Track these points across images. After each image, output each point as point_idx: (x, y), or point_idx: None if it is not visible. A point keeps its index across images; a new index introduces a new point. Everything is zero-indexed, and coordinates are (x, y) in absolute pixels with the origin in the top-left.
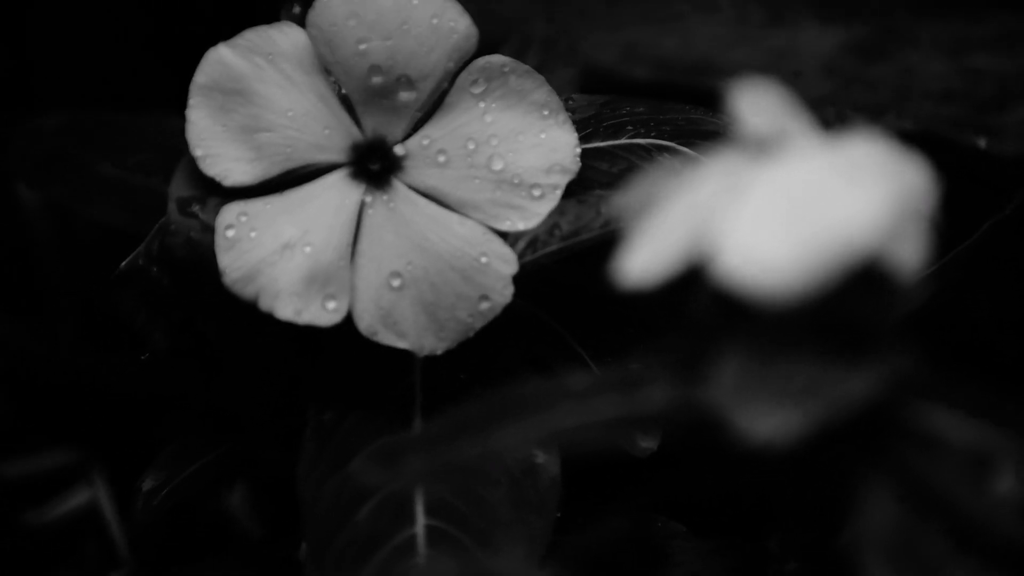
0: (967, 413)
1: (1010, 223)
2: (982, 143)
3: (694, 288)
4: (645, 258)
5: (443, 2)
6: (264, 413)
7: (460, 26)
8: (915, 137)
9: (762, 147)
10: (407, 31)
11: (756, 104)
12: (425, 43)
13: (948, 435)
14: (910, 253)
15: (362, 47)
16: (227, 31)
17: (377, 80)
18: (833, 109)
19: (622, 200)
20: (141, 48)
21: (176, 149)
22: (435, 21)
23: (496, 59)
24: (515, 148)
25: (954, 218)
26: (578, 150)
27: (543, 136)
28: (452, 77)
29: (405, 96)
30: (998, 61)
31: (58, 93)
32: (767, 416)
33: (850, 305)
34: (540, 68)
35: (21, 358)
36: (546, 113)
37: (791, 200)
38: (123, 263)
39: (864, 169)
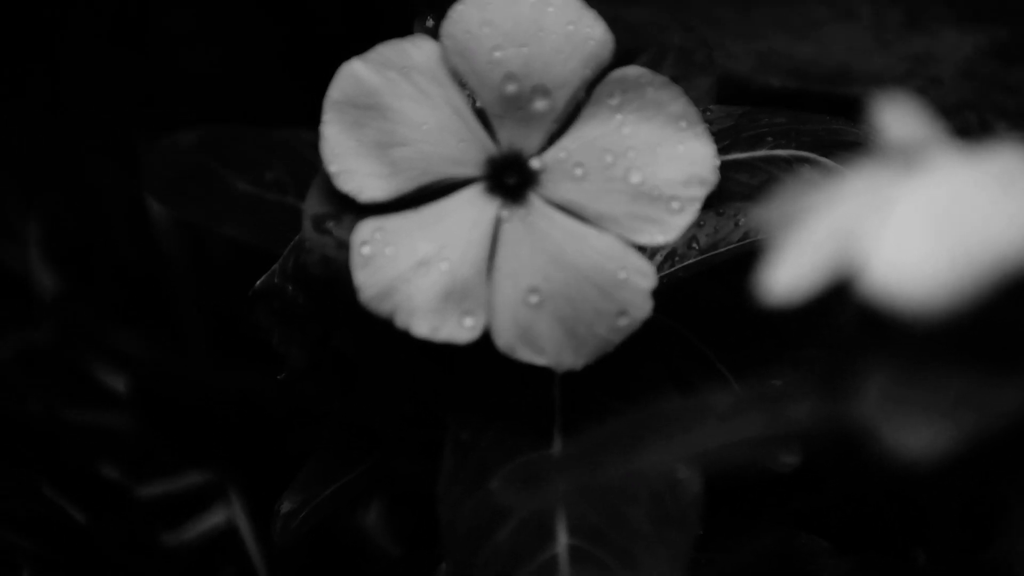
0: None
1: None
2: None
3: (839, 303)
4: (790, 273)
5: (579, 9)
6: (402, 429)
7: (596, 33)
8: None
9: (905, 158)
10: (542, 38)
11: (897, 115)
12: (561, 50)
13: None
14: None
15: (497, 55)
16: (358, 45)
17: (512, 89)
18: (974, 114)
19: (763, 213)
20: (273, 63)
21: (310, 165)
22: (570, 28)
23: (632, 71)
24: (653, 160)
25: None
26: (716, 162)
27: (681, 148)
28: (588, 87)
29: (540, 106)
30: None
31: (190, 109)
32: (917, 430)
33: (999, 318)
34: (676, 78)
35: (157, 378)
36: (683, 125)
37: (938, 213)
38: (258, 281)
39: (1011, 179)
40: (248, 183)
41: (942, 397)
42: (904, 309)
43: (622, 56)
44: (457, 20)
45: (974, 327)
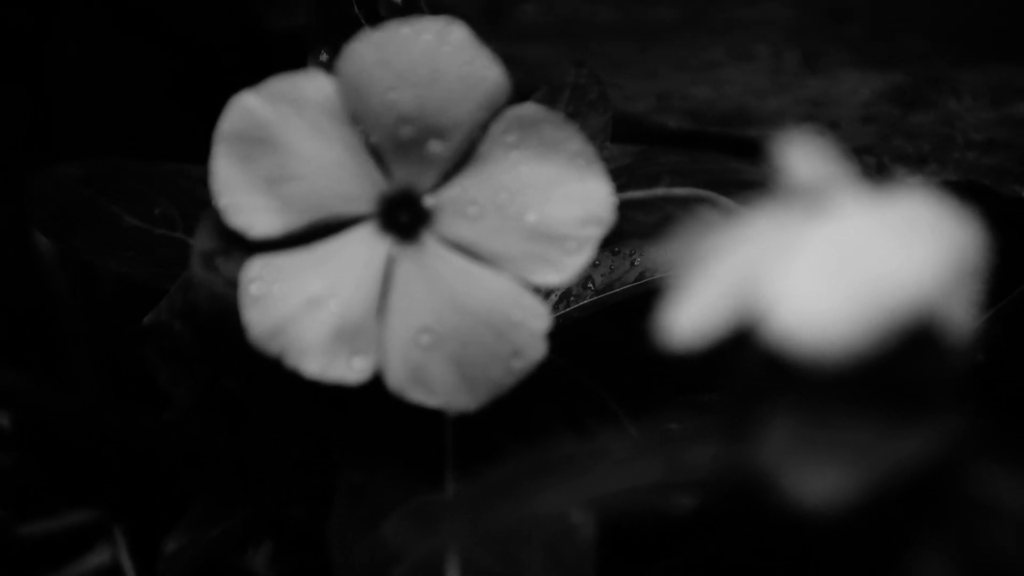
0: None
1: None
2: None
3: (738, 347)
4: (692, 316)
5: (474, 50)
6: (292, 471)
7: (491, 74)
8: (958, 187)
9: (808, 199)
10: (437, 79)
11: (798, 154)
12: (456, 91)
13: (1007, 499)
14: (962, 308)
15: (391, 96)
16: (251, 80)
17: (406, 129)
18: (873, 159)
19: (661, 252)
20: (163, 96)
21: (198, 200)
22: (466, 69)
23: (529, 108)
24: (549, 199)
25: (998, 270)
26: (613, 201)
27: (578, 187)
28: (484, 126)
29: (435, 146)
30: None
31: (78, 141)
32: (818, 479)
33: (904, 364)
34: (572, 116)
35: (41, 414)
36: (580, 163)
37: (842, 257)
38: (145, 318)
39: (916, 223)
40: (135, 217)
41: (844, 444)
42: (807, 354)
43: (518, 94)
44: (352, 58)
45: (877, 373)
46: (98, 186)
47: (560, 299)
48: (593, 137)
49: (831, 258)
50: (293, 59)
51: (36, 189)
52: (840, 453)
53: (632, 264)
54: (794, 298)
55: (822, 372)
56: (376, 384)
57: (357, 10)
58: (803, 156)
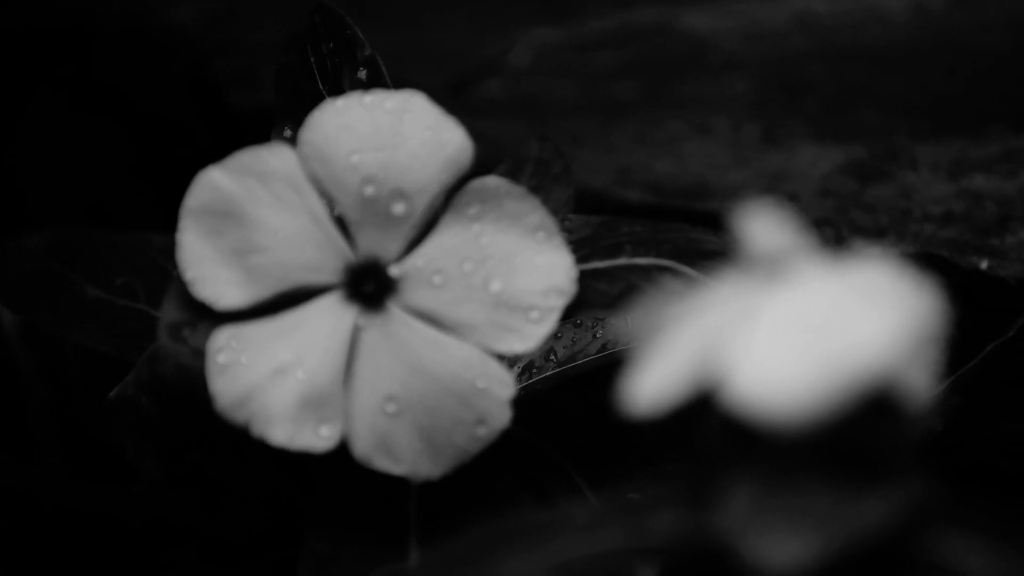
0: (982, 539)
1: (1013, 345)
2: (983, 265)
3: (700, 414)
4: (653, 384)
5: (437, 116)
6: (260, 542)
7: (454, 138)
8: (916, 259)
9: (768, 269)
10: (400, 142)
11: (759, 225)
12: (419, 155)
13: (965, 563)
14: (920, 377)
15: (355, 158)
16: (218, 156)
17: (370, 191)
18: (832, 231)
19: (623, 323)
20: (129, 173)
21: (161, 271)
22: (428, 134)
23: (491, 181)
24: (511, 270)
25: (957, 341)
26: (574, 272)
27: (539, 259)
28: (447, 194)
29: (399, 210)
30: (998, 183)
31: (45, 218)
32: (779, 545)
33: (864, 431)
34: (535, 190)
35: (10, 490)
36: (541, 236)
37: (802, 325)
38: (112, 392)
39: (873, 292)
40: (98, 288)
41: (806, 510)
42: (768, 421)
43: (482, 168)
44: (315, 126)
45: (837, 439)
46: (62, 257)
47: (523, 371)
48: (556, 210)
49: (791, 326)
50: (259, 135)
51: (0, 261)
52: (800, 519)
53: (594, 336)
54: (754, 365)
55: (782, 439)
56: (342, 452)
57: (321, 86)
58: (762, 227)
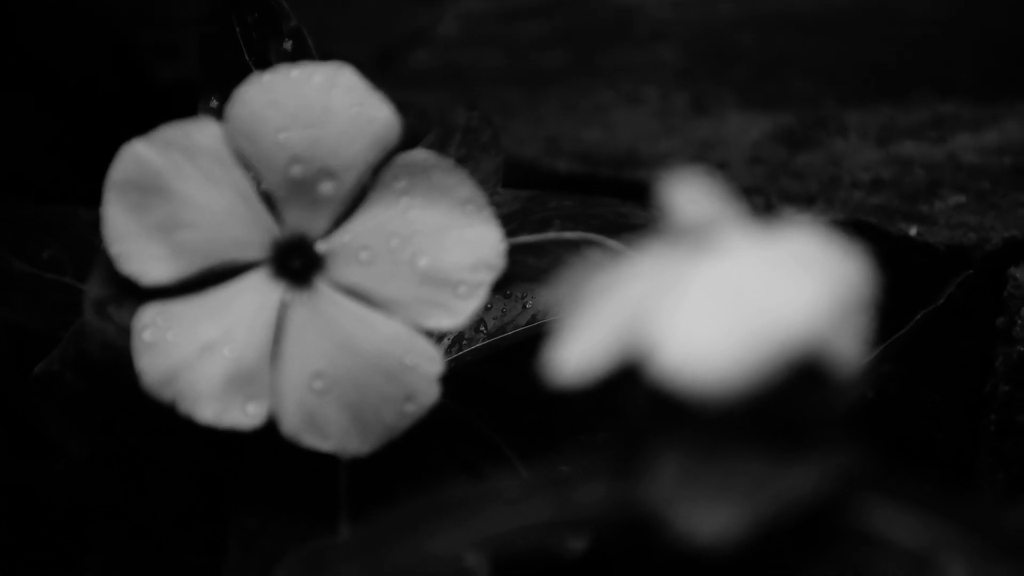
0: (911, 508)
1: (943, 312)
2: (913, 232)
3: (628, 385)
4: (578, 354)
5: (364, 92)
6: (187, 519)
7: (381, 115)
8: (845, 226)
9: (695, 239)
10: (328, 120)
11: (686, 195)
12: (347, 132)
13: (893, 532)
14: (849, 345)
15: (282, 136)
16: (141, 129)
17: (297, 171)
18: (762, 199)
19: (550, 294)
20: (51, 149)
21: (88, 244)
22: (356, 110)
23: (419, 154)
24: (439, 245)
25: (887, 308)
26: (503, 247)
27: (468, 232)
28: (374, 170)
29: (326, 188)
30: (926, 149)
31: None
32: (708, 514)
33: (791, 400)
34: (463, 159)
35: None
36: (470, 209)
37: (728, 294)
38: (37, 368)
39: (801, 261)
40: (24, 262)
41: (733, 480)
42: (695, 391)
43: (410, 139)
44: (242, 101)
45: (764, 408)
46: None
47: (452, 343)
48: (485, 181)
49: (717, 294)
50: (183, 108)
51: None
52: (728, 488)
53: (524, 307)
54: (680, 334)
55: (710, 408)
56: (270, 430)
57: (247, 57)
58: (689, 196)
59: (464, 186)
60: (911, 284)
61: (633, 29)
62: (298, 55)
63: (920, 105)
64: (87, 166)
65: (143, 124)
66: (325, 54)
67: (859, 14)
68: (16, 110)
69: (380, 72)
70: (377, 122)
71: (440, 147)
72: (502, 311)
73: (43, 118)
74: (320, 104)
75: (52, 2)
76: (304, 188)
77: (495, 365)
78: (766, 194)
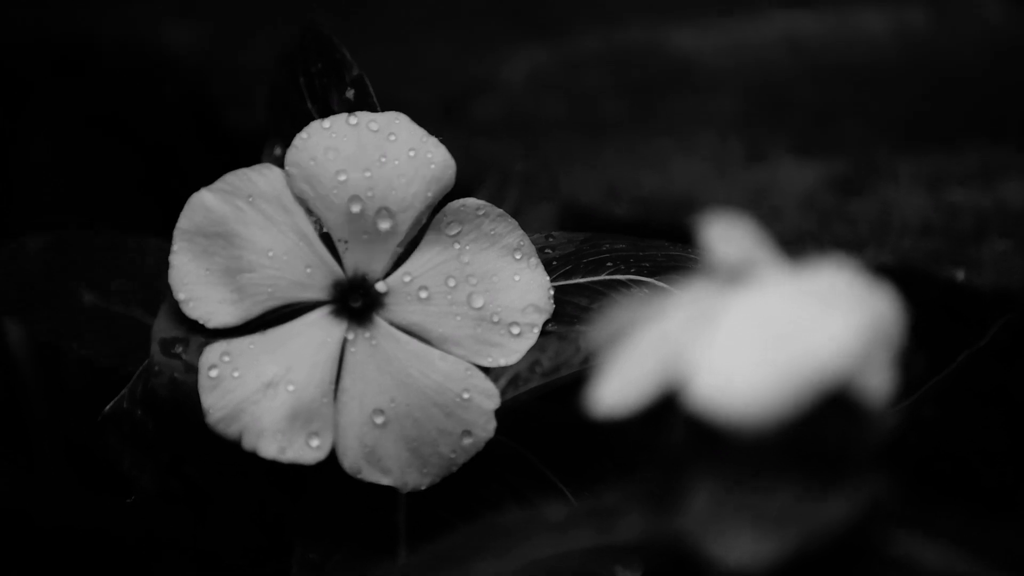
0: (944, 541)
1: (986, 354)
2: (960, 276)
3: (667, 417)
4: (617, 388)
5: (420, 136)
6: (252, 552)
7: (437, 157)
8: (894, 271)
9: (733, 276)
10: (385, 161)
11: (726, 235)
12: (403, 174)
13: (924, 563)
14: (881, 380)
15: (341, 178)
16: (213, 176)
17: (356, 211)
18: (814, 244)
19: (600, 333)
20: (132, 192)
21: (157, 275)
22: (412, 154)
23: (470, 202)
24: (492, 287)
25: (933, 349)
26: (551, 291)
27: (517, 278)
28: (432, 211)
29: (385, 227)
30: (975, 195)
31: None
32: (741, 544)
33: (822, 432)
34: (520, 205)
35: (7, 498)
36: (518, 256)
37: (762, 327)
38: (108, 406)
39: (834, 297)
40: (94, 294)
41: (766, 510)
42: (728, 422)
43: (468, 184)
44: (302, 147)
45: (796, 439)
46: (58, 259)
47: (509, 383)
48: (541, 225)
49: (750, 328)
50: (256, 155)
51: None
52: (761, 518)
53: (577, 348)
54: (715, 366)
55: (742, 439)
56: (332, 464)
57: (310, 105)
58: (728, 236)
59: (513, 234)
60: (957, 327)
61: (691, 78)
62: (360, 103)
63: (969, 153)
64: (167, 210)
65: (217, 171)
66: (389, 99)
67: (911, 65)
68: (108, 152)
69: (444, 119)
70: (433, 164)
71: (498, 193)
72: (556, 352)
73: (132, 160)
74: (378, 147)
75: (125, 53)
76: (364, 228)
77: (549, 402)
78: (819, 240)
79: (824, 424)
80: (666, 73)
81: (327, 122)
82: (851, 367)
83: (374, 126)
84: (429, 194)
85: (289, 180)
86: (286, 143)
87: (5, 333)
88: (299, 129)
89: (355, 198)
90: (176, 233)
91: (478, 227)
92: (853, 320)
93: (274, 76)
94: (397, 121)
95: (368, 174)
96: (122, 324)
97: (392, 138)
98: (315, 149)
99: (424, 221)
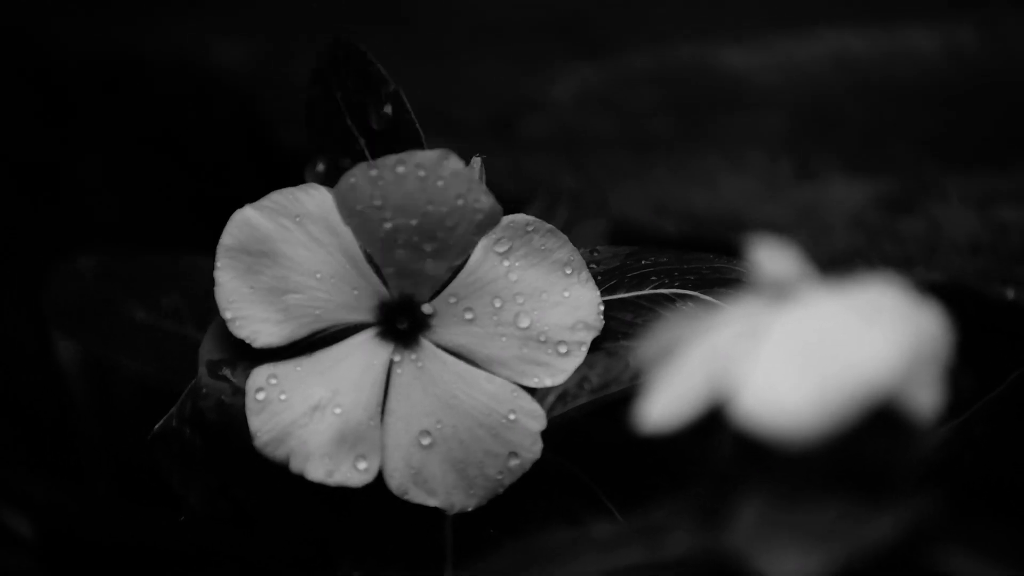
0: (992, 559)
1: None
2: (1010, 294)
3: (715, 433)
4: (665, 403)
5: (468, 183)
6: (299, 571)
7: (484, 205)
8: (943, 289)
9: (779, 293)
10: (432, 211)
11: (771, 253)
12: (450, 221)
13: None
14: (927, 397)
15: (387, 225)
16: (261, 193)
17: (402, 253)
18: (863, 262)
19: (648, 349)
20: (183, 213)
21: (205, 291)
22: (460, 202)
23: (520, 218)
24: (540, 306)
25: (982, 368)
26: (601, 308)
27: (566, 294)
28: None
29: (430, 266)
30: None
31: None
32: (788, 560)
33: (868, 448)
34: (568, 222)
35: (59, 518)
36: (569, 272)
37: (808, 343)
38: (157, 425)
39: (879, 313)
40: (146, 311)
41: (812, 526)
42: (775, 437)
43: (517, 201)
44: (348, 192)
45: (842, 455)
46: (110, 279)
47: (557, 400)
48: (590, 241)
49: (796, 344)
50: (303, 172)
51: (53, 282)
52: (807, 534)
53: (626, 364)
54: (760, 382)
55: (789, 454)
56: (378, 485)
57: (349, 121)
58: (776, 255)
59: (564, 249)
60: (1007, 346)
61: (740, 95)
62: (397, 119)
63: (1019, 171)
64: (222, 224)
65: (267, 188)
66: (438, 118)
67: (960, 83)
68: (158, 171)
69: (493, 136)
70: (481, 212)
71: (548, 210)
72: (605, 368)
73: (182, 178)
74: (424, 196)
75: (176, 71)
76: (409, 263)
77: (598, 419)
78: (868, 258)
79: (870, 440)
80: (715, 91)
81: (374, 168)
82: (897, 383)
83: (422, 172)
84: (475, 237)
85: (336, 202)
86: (328, 159)
87: (57, 351)
88: (339, 145)
89: (401, 241)
90: (220, 250)
91: (528, 243)
92: (899, 337)
93: (310, 92)
94: (445, 163)
95: (414, 222)
96: (174, 341)
97: (440, 183)
98: (361, 195)
99: (470, 251)
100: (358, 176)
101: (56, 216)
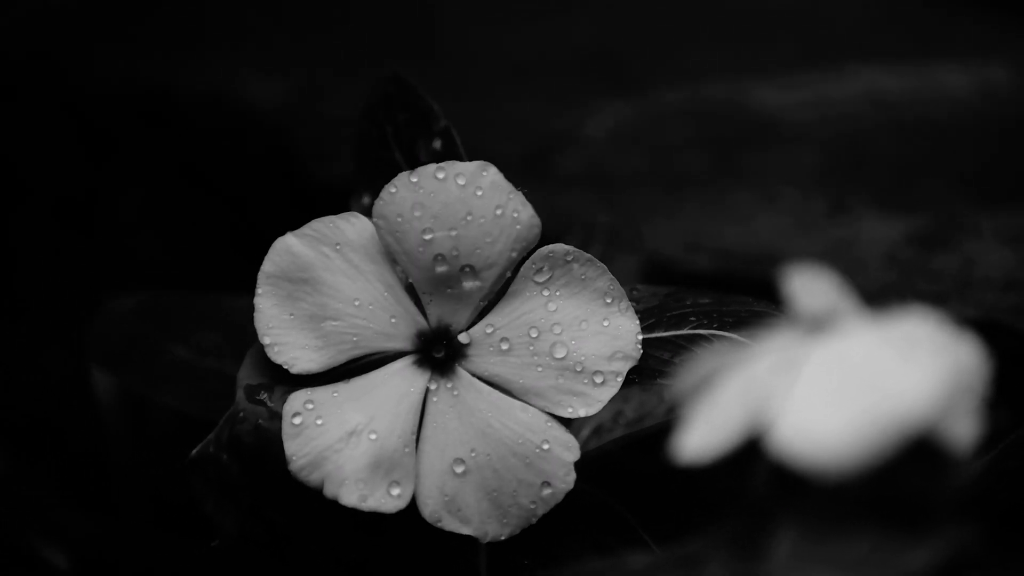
0: None
1: None
2: None
3: (751, 464)
4: (702, 435)
5: (507, 194)
6: None
7: (523, 216)
8: (977, 324)
9: (816, 325)
10: (471, 221)
11: (808, 286)
12: (489, 233)
13: None
14: (964, 429)
15: (427, 237)
16: (297, 224)
17: (442, 269)
18: (896, 298)
19: (683, 385)
20: (222, 249)
21: (245, 329)
22: (499, 212)
23: (560, 248)
24: (577, 336)
25: (1017, 403)
26: (640, 338)
27: (606, 324)
28: (516, 266)
29: (469, 285)
30: None
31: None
32: None
33: (904, 479)
34: (603, 257)
35: (95, 550)
36: (609, 301)
37: (844, 375)
38: (195, 450)
39: (916, 345)
40: (186, 349)
41: (849, 556)
42: (811, 469)
43: (552, 237)
44: (389, 201)
45: (879, 486)
46: (150, 318)
47: (592, 433)
48: (624, 277)
49: (833, 375)
50: (338, 205)
51: (95, 323)
52: (843, 565)
53: (661, 399)
54: (796, 414)
55: (825, 486)
56: (411, 512)
57: (397, 155)
58: (811, 288)
59: (603, 278)
60: None
61: (773, 133)
62: (447, 154)
63: None
64: (259, 259)
65: (302, 222)
66: (473, 151)
67: (992, 121)
68: (195, 207)
69: (527, 171)
70: (519, 224)
71: (582, 245)
72: (640, 403)
73: (219, 214)
74: (464, 207)
75: (208, 107)
76: (448, 284)
77: (633, 451)
78: (902, 294)
79: (906, 472)
80: (748, 128)
81: (415, 176)
82: (934, 416)
83: (461, 180)
84: (514, 254)
85: (376, 231)
86: (374, 193)
87: (93, 383)
88: (386, 179)
89: (440, 257)
90: (260, 276)
91: (567, 272)
92: (936, 369)
93: (359, 126)
94: (484, 174)
95: (454, 233)
96: (211, 376)
97: (479, 193)
98: (402, 205)
99: (509, 275)
100: (399, 185)
101: (94, 249)
